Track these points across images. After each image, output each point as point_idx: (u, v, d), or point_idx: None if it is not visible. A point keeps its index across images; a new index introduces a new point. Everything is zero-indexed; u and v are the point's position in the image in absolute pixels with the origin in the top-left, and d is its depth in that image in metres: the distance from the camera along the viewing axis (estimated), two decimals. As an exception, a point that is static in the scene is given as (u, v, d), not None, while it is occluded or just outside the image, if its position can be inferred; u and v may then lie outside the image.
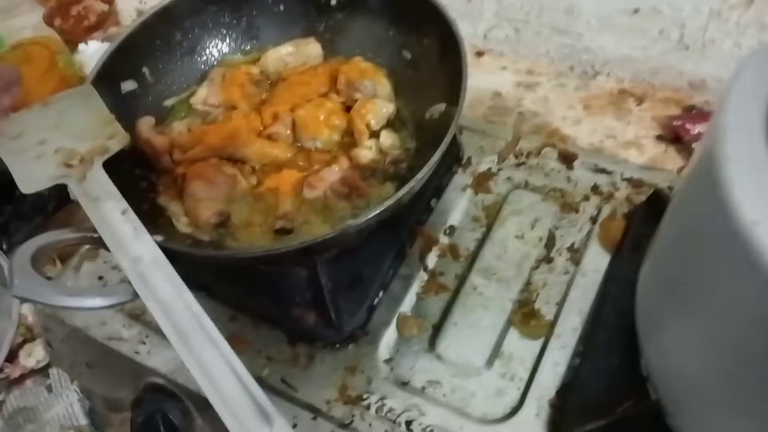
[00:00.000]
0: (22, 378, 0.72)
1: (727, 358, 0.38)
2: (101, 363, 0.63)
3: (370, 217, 0.50)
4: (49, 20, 0.97)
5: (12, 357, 0.73)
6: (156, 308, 0.45)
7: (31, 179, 0.53)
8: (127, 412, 0.61)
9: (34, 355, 0.72)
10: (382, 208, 0.50)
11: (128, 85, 0.65)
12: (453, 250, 0.63)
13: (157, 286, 0.46)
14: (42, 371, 0.71)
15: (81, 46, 0.92)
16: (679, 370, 0.45)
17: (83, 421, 0.67)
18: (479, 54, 0.94)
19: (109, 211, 0.50)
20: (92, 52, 0.91)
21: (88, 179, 0.53)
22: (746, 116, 0.34)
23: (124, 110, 0.62)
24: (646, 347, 0.49)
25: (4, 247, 0.79)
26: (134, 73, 0.66)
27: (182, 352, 0.43)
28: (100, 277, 0.65)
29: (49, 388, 0.70)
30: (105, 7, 1.00)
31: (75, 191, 0.52)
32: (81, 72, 0.90)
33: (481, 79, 0.90)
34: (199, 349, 0.43)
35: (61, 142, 0.56)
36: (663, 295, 0.47)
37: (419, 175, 0.52)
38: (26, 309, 0.76)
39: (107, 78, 0.62)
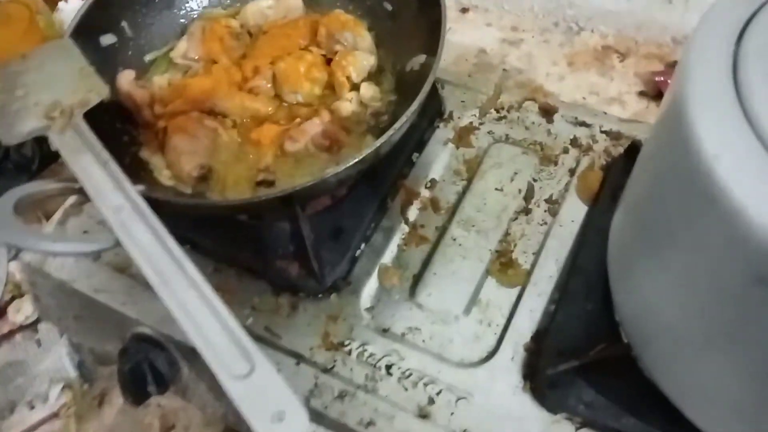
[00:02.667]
0: (11, 333, 0.73)
1: (695, 294, 0.40)
2: (89, 316, 0.64)
3: (348, 165, 0.51)
4: (27, -22, 0.95)
5: (1, 313, 0.74)
6: (138, 255, 0.45)
7: (12, 131, 0.53)
8: (115, 365, 0.62)
9: (22, 311, 0.73)
10: (361, 157, 0.51)
11: (107, 39, 0.65)
12: (434, 203, 0.63)
13: (139, 233, 0.46)
14: (31, 327, 0.72)
15: (60, 4, 0.90)
16: (649, 311, 0.46)
17: (72, 374, 0.69)
18: (464, 10, 0.94)
19: (90, 161, 0.50)
20: (71, 9, 0.90)
21: (68, 131, 0.53)
22: (711, 56, 0.35)
23: (104, 64, 0.61)
24: (618, 291, 0.50)
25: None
26: (113, 27, 0.66)
27: (165, 296, 0.44)
28: (85, 232, 0.65)
29: (39, 343, 0.71)
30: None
31: (56, 142, 0.52)
32: (61, 30, 0.89)
33: (466, 35, 0.90)
34: (181, 292, 0.44)
35: (41, 95, 0.55)
36: (634, 238, 0.48)
37: (397, 125, 0.52)
38: (14, 267, 0.77)
39: (86, 32, 0.62)
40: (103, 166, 0.50)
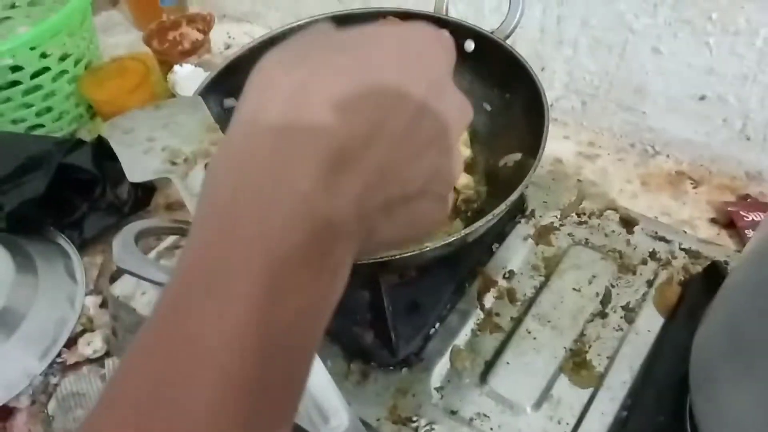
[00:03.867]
0: (78, 365, 0.74)
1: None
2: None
3: (436, 246, 0.54)
4: (147, 41, 1.05)
5: (71, 344, 0.76)
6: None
7: (138, 169, 0.58)
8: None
9: (92, 345, 0.75)
10: (449, 240, 0.54)
11: (230, 102, 0.71)
12: (510, 294, 0.65)
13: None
14: (98, 361, 0.74)
15: (176, 67, 0.99)
16: (733, 427, 0.46)
17: (132, 411, 0.70)
18: (544, 122, 0.99)
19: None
20: (185, 73, 0.98)
21: (190, 177, 0.57)
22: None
23: (226, 124, 0.67)
24: (700, 404, 0.50)
25: (77, 241, 0.84)
26: (236, 92, 0.71)
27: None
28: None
29: (104, 378, 0.72)
30: (200, 36, 1.08)
31: (178, 186, 0.56)
32: (172, 90, 0.97)
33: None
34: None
35: (168, 142, 0.61)
36: (720, 356, 0.48)
37: (488, 217, 0.55)
38: (89, 301, 0.80)
39: (212, 93, 0.68)
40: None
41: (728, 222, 0.82)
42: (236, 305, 0.23)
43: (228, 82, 0.70)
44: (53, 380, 0.73)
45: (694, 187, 0.88)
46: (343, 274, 0.27)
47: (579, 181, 0.88)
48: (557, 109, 0.98)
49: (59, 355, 0.75)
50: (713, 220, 0.83)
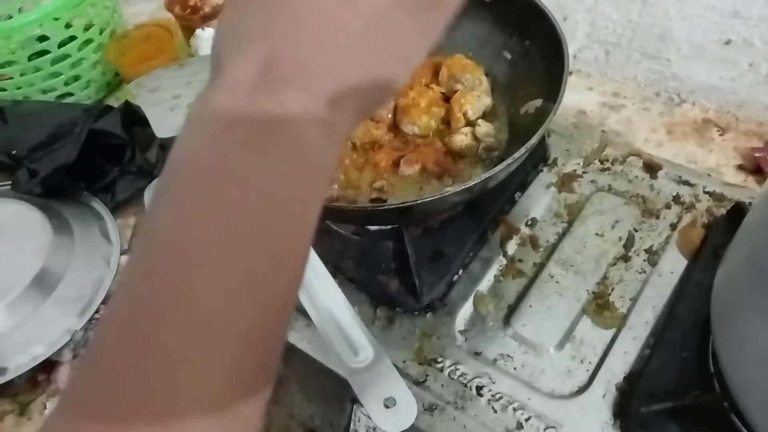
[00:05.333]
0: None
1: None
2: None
3: (457, 191, 0.54)
4: (169, 7, 1.06)
5: (107, 301, 0.79)
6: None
7: (165, 126, 0.60)
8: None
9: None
10: (470, 185, 0.54)
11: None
12: (533, 240, 0.66)
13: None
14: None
15: (198, 31, 1.00)
16: (754, 361, 0.46)
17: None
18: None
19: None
20: (207, 36, 0.99)
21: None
22: None
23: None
24: (721, 341, 0.50)
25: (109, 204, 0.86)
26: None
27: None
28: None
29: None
30: (220, 0, 1.09)
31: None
32: (196, 54, 0.98)
33: (568, 96, 0.93)
34: (311, 287, 0.47)
35: (193, 98, 0.62)
36: (741, 292, 0.49)
37: (507, 162, 0.55)
38: (124, 261, 0.83)
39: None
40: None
41: (755, 168, 0.81)
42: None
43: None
44: (92, 335, 0.76)
45: (721, 134, 0.87)
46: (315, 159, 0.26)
47: (603, 131, 0.88)
48: (580, 60, 0.97)
49: (97, 311, 0.78)
50: (740, 167, 0.82)
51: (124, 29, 1.07)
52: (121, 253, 0.83)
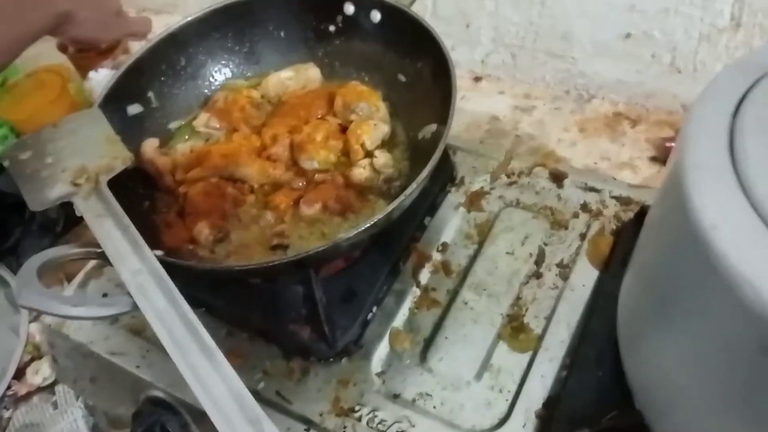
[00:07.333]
0: (28, 395, 0.73)
1: (704, 361, 0.39)
2: (104, 378, 0.65)
3: (360, 230, 0.52)
4: (62, 47, 1.01)
5: (20, 374, 0.75)
6: (154, 318, 0.47)
7: (39, 197, 0.56)
8: (128, 429, 0.62)
9: (40, 373, 0.74)
10: (372, 222, 0.52)
11: (134, 109, 0.68)
12: (445, 267, 0.64)
13: (155, 297, 0.48)
14: (48, 388, 0.73)
15: (91, 74, 0.95)
16: (660, 379, 0.45)
17: (86, 436, 0.69)
18: (477, 79, 0.97)
19: (112, 226, 0.52)
20: (102, 78, 0.94)
21: (93, 197, 0.55)
22: (709, 127, 0.36)
23: (130, 132, 0.65)
24: (628, 358, 0.50)
25: (15, 267, 0.82)
26: (140, 96, 0.69)
27: (177, 360, 0.44)
28: (105, 294, 0.67)
29: (55, 405, 0.71)
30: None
31: (81, 208, 0.54)
32: (91, 98, 0.94)
33: (479, 103, 0.93)
34: (193, 357, 0.44)
35: (69, 162, 0.58)
36: (642, 305, 0.48)
37: (408, 190, 0.54)
38: (34, 328, 0.78)
39: (114, 101, 0.66)
40: (124, 231, 0.52)
41: (668, 158, 0.81)
42: None
43: (130, 88, 0.68)
44: (6, 414, 0.72)
45: (632, 127, 0.87)
46: None
47: (517, 136, 0.87)
48: (489, 65, 0.96)
49: (9, 387, 0.74)
50: (654, 159, 0.82)
51: (16, 77, 1.02)
52: (30, 320, 0.79)
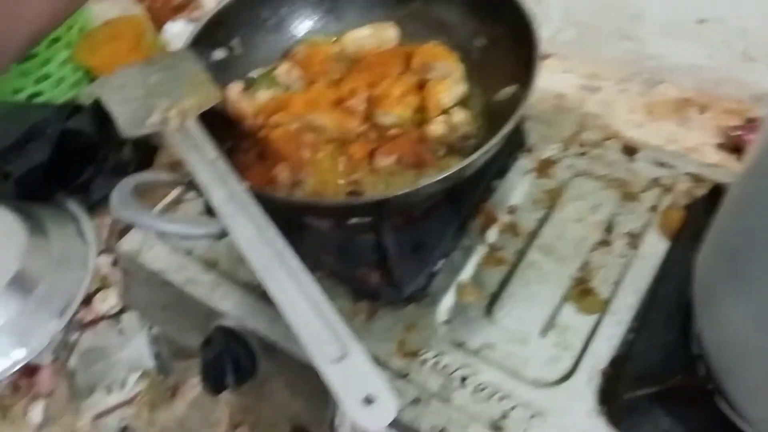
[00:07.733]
0: (95, 321, 0.76)
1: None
2: (176, 306, 0.67)
3: (431, 182, 0.53)
4: (138, 0, 1.04)
5: (87, 302, 0.78)
6: (243, 243, 0.48)
7: (132, 125, 0.58)
8: (190, 361, 0.64)
9: (107, 302, 0.77)
10: (446, 174, 0.53)
11: (219, 54, 0.70)
12: (513, 228, 0.65)
13: (244, 223, 0.49)
14: (115, 317, 0.76)
15: (167, 26, 0.98)
16: (734, 341, 0.46)
17: (150, 364, 0.72)
18: (544, 57, 0.96)
19: (201, 157, 0.54)
20: (176, 31, 0.97)
21: (184, 129, 0.57)
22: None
23: (213, 76, 0.66)
24: (703, 323, 0.50)
25: (85, 205, 0.85)
26: (225, 43, 0.71)
27: (267, 281, 0.46)
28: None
29: (121, 332, 0.74)
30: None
31: (172, 139, 0.56)
32: (164, 48, 0.96)
33: (545, 79, 0.92)
34: (282, 279, 0.46)
35: (161, 96, 0.60)
36: (722, 272, 0.48)
37: (486, 147, 0.55)
38: (101, 261, 0.81)
39: (201, 44, 0.67)
40: (212, 162, 0.54)
41: (735, 146, 0.81)
42: None
43: (216, 34, 0.70)
44: (73, 337, 0.75)
45: (700, 113, 0.87)
46: None
47: (583, 114, 0.87)
48: (556, 43, 0.96)
49: (76, 313, 0.76)
50: (720, 146, 0.82)
51: (94, 25, 1.05)
52: (98, 253, 0.82)
